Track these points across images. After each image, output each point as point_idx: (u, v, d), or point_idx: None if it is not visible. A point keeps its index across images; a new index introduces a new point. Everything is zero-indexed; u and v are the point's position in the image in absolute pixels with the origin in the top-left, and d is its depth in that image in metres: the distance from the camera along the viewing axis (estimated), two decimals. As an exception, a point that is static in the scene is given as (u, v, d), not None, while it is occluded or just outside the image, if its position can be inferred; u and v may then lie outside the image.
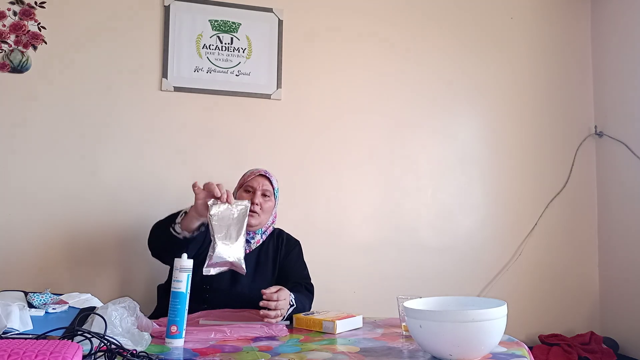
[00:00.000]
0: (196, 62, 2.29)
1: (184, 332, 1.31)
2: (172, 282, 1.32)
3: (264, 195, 1.80)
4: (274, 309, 1.50)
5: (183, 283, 1.32)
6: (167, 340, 1.30)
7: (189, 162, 2.26)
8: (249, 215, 1.72)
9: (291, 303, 1.60)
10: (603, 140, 2.79)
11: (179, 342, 1.30)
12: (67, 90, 2.15)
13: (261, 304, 1.50)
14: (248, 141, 2.34)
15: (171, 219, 1.63)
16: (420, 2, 2.64)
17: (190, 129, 2.28)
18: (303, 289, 1.73)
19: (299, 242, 1.94)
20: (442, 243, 2.57)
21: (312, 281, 1.86)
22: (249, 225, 1.77)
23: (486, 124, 2.69)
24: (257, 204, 1.76)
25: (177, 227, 1.59)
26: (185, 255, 1.35)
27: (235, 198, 1.80)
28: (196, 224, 1.57)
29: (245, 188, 1.82)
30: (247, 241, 1.78)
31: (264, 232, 1.84)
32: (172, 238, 1.59)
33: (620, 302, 2.64)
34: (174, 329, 1.30)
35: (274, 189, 1.84)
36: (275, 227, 1.93)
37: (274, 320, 1.50)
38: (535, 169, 2.74)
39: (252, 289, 1.70)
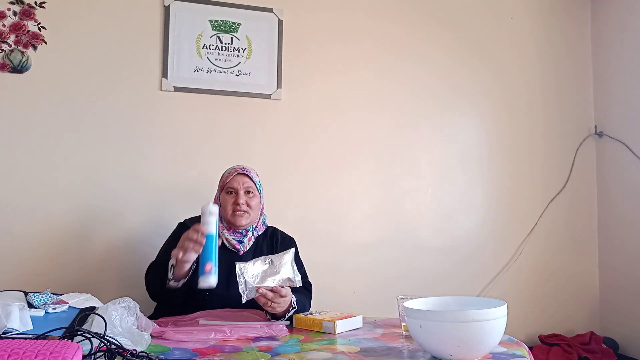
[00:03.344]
0: (196, 62, 2.29)
1: (217, 269, 1.42)
2: (202, 226, 1.45)
3: (247, 192, 1.79)
4: (267, 300, 1.51)
5: (212, 225, 1.46)
6: (201, 279, 1.40)
7: (189, 162, 2.26)
8: (237, 216, 1.74)
9: (293, 305, 1.60)
10: (603, 140, 2.79)
11: (213, 280, 1.41)
12: (67, 90, 2.15)
13: (260, 292, 1.50)
14: (248, 141, 2.34)
15: (162, 273, 1.65)
16: (420, 3, 2.63)
17: (190, 129, 2.28)
18: (302, 289, 1.73)
19: (294, 239, 1.92)
20: (442, 243, 2.57)
21: (309, 279, 1.86)
22: (239, 227, 1.77)
23: (486, 124, 2.69)
24: (242, 203, 1.75)
25: (172, 283, 1.62)
26: (211, 201, 1.49)
27: (218, 201, 1.83)
28: (186, 267, 1.58)
29: (227, 190, 1.80)
30: (240, 241, 1.78)
31: (255, 229, 1.83)
32: (171, 292, 1.65)
33: (620, 302, 2.64)
34: (208, 267, 1.41)
35: (255, 183, 1.82)
36: (270, 225, 1.92)
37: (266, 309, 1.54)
38: (535, 169, 2.74)
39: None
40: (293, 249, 1.61)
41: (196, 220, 1.84)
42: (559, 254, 2.73)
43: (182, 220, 1.87)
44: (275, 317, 1.61)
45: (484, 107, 2.70)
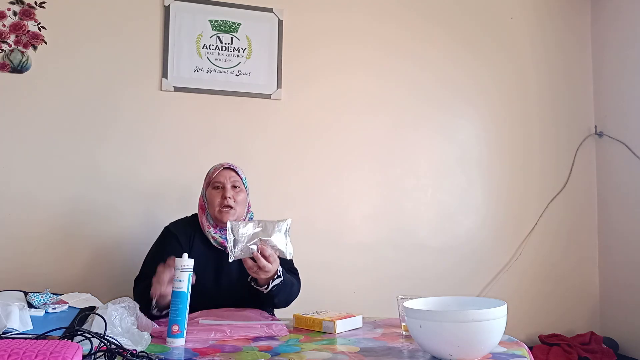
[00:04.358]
0: (196, 62, 2.29)
1: (185, 331, 1.32)
2: (174, 282, 1.33)
3: (233, 187, 1.78)
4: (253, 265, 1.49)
5: (184, 282, 1.33)
6: (168, 339, 1.30)
7: (189, 162, 2.26)
8: (224, 212, 1.73)
9: (278, 274, 1.58)
10: (603, 140, 2.79)
11: (180, 342, 1.30)
12: (67, 90, 2.15)
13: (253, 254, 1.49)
14: (248, 141, 2.34)
15: (148, 296, 1.54)
16: (420, 3, 2.64)
17: (190, 129, 2.28)
18: (289, 271, 1.72)
19: None
20: (442, 243, 2.57)
21: (302, 277, 1.84)
22: (226, 223, 1.75)
23: (486, 124, 2.69)
24: (229, 198, 1.74)
25: (156, 312, 1.56)
26: (186, 255, 1.35)
27: (205, 198, 1.81)
28: (169, 299, 1.50)
29: (213, 185, 1.78)
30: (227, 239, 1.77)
31: None
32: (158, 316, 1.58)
33: (620, 302, 2.64)
34: (175, 328, 1.30)
35: (241, 179, 1.81)
36: (256, 219, 1.90)
37: (257, 269, 1.50)
38: (535, 169, 2.74)
39: (239, 285, 1.69)
40: (290, 220, 1.57)
41: (180, 223, 1.84)
42: (558, 254, 2.73)
43: (167, 225, 1.85)
44: (257, 284, 1.60)
45: (484, 107, 2.70)
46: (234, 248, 1.47)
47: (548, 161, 2.76)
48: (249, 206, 1.87)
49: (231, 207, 1.74)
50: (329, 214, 2.43)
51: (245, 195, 1.81)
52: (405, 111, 2.57)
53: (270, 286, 1.58)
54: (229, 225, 1.49)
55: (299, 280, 1.80)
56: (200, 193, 1.87)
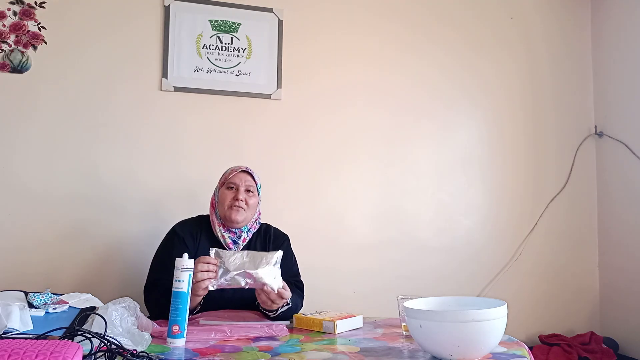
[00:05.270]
0: (196, 62, 2.29)
1: (185, 331, 1.32)
2: (174, 282, 1.33)
3: (247, 191, 1.78)
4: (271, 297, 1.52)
5: (184, 283, 1.33)
6: (168, 340, 1.30)
7: (189, 162, 2.26)
8: (233, 210, 1.73)
9: (287, 302, 1.60)
10: (603, 140, 2.79)
11: (180, 342, 1.30)
12: (67, 90, 2.15)
13: (265, 288, 1.50)
14: (248, 141, 2.34)
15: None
16: (420, 3, 2.64)
17: (190, 129, 2.28)
18: (294, 288, 1.72)
19: (287, 236, 1.90)
20: (442, 243, 2.57)
21: (302, 278, 1.86)
22: (234, 222, 1.76)
23: (486, 124, 2.69)
24: (241, 200, 1.74)
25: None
26: (186, 255, 1.36)
27: (217, 196, 1.81)
28: (199, 300, 1.57)
29: (228, 185, 1.79)
30: (235, 241, 1.77)
31: (249, 230, 1.81)
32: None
33: (620, 302, 2.64)
34: (175, 328, 1.30)
35: (256, 184, 1.82)
36: (262, 222, 1.91)
37: (268, 303, 1.54)
38: (535, 169, 2.74)
39: (242, 290, 1.69)
40: (281, 252, 1.57)
41: (186, 224, 1.84)
42: (559, 254, 2.73)
43: (173, 225, 1.85)
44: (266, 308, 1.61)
45: (483, 107, 2.70)
46: (220, 277, 1.47)
47: (548, 161, 2.76)
48: (259, 214, 1.87)
49: (241, 208, 1.75)
50: (329, 214, 2.43)
51: (257, 200, 1.82)
52: (406, 111, 2.57)
53: (279, 312, 1.60)
54: (213, 252, 1.49)
55: (303, 295, 1.81)
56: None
